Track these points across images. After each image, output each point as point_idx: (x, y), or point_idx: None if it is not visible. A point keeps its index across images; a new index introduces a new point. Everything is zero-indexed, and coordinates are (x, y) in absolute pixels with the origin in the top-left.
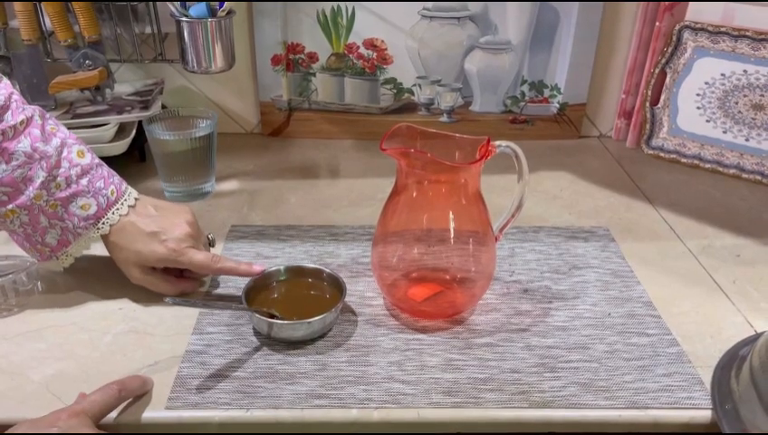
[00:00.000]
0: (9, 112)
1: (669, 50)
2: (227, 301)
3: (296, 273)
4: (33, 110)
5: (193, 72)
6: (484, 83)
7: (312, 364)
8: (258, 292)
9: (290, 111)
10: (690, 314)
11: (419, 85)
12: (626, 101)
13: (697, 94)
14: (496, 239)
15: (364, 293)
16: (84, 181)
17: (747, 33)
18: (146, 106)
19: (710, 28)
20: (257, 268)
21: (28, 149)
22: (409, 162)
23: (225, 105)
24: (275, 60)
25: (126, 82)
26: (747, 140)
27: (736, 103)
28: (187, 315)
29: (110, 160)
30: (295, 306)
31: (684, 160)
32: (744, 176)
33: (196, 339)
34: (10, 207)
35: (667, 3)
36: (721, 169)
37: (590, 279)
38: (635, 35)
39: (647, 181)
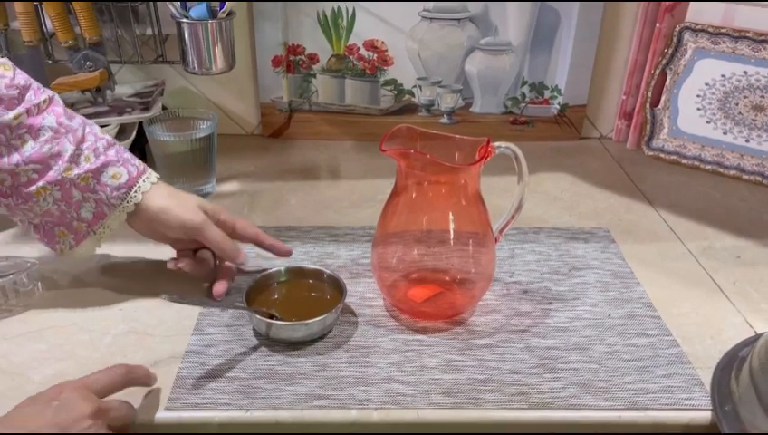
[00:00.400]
0: (31, 92)
1: (670, 51)
2: (228, 302)
3: (296, 274)
4: (52, 92)
5: (193, 73)
6: (485, 85)
7: (311, 365)
8: (258, 292)
9: (290, 113)
10: (690, 315)
11: (420, 86)
12: (626, 103)
13: (698, 95)
14: (496, 240)
15: (364, 294)
16: (112, 152)
17: (747, 35)
18: (146, 107)
19: (710, 29)
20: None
21: (54, 124)
22: (409, 163)
23: (225, 106)
24: (276, 61)
25: (126, 84)
26: (747, 141)
27: (737, 104)
28: (186, 316)
29: None
30: (295, 307)
31: (684, 162)
32: (745, 177)
33: (195, 339)
34: (41, 183)
35: (667, 4)
36: (721, 170)
37: (590, 280)
38: (635, 36)
39: (647, 182)
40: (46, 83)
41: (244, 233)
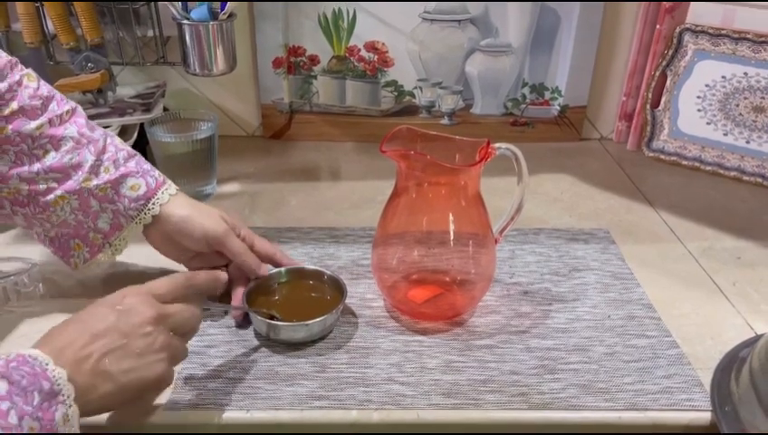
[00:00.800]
0: (54, 103)
1: (670, 52)
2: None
3: (297, 275)
4: (75, 103)
5: (194, 74)
6: (485, 86)
7: (312, 366)
8: (259, 293)
9: (291, 114)
10: (690, 316)
11: (420, 88)
12: (626, 104)
13: (698, 97)
14: (496, 241)
15: (364, 295)
16: (132, 163)
17: (748, 36)
18: (148, 109)
19: (710, 31)
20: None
21: (75, 135)
22: (409, 164)
23: (226, 108)
24: (277, 62)
25: (128, 85)
26: (748, 142)
27: (737, 106)
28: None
29: None
30: (296, 308)
31: (684, 163)
32: (745, 178)
33: (196, 340)
34: (59, 192)
35: (667, 5)
36: (722, 171)
37: (590, 281)
38: (635, 38)
39: (647, 184)
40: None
41: (262, 250)
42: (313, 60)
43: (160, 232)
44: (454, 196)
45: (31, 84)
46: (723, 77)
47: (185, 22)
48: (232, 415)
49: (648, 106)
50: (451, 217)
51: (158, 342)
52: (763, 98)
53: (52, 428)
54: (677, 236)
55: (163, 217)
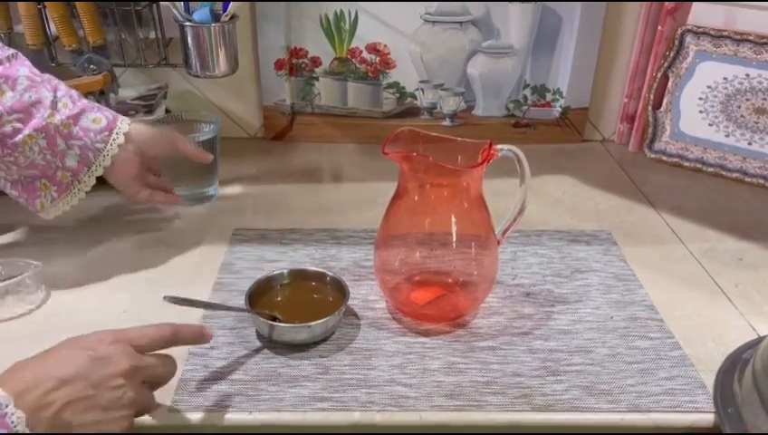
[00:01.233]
0: None
1: (671, 54)
2: (230, 304)
3: (299, 276)
4: (13, 49)
5: (196, 76)
6: (487, 87)
7: (314, 367)
8: (261, 295)
9: (293, 115)
10: (693, 317)
11: (422, 89)
12: (628, 105)
13: (700, 98)
14: (499, 243)
15: (367, 296)
16: (85, 100)
17: (749, 38)
18: (150, 110)
19: (712, 32)
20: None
21: (28, 74)
22: (412, 166)
23: (228, 109)
24: (278, 64)
25: (130, 87)
26: (750, 143)
27: (739, 107)
28: (190, 319)
29: None
30: (298, 310)
31: (686, 164)
32: (747, 179)
33: None
34: (27, 132)
35: (669, 7)
36: (724, 172)
37: (593, 283)
38: (637, 39)
39: (649, 185)
40: None
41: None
42: (315, 61)
43: (125, 156)
44: (456, 197)
45: None
46: (724, 78)
47: (187, 23)
48: (234, 417)
49: (650, 107)
50: (453, 219)
51: (126, 396)
52: (765, 99)
53: None
54: (679, 237)
55: (128, 139)
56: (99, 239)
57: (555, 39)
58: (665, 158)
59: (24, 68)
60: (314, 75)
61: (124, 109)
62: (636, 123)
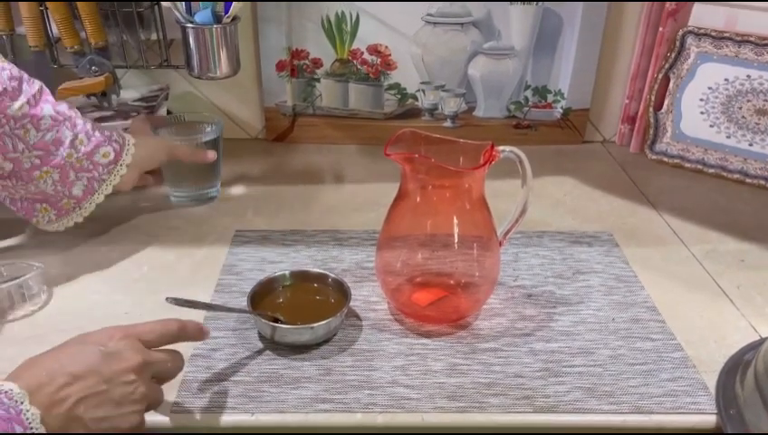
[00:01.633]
0: (25, 83)
1: (673, 55)
2: (232, 306)
3: (301, 278)
4: (39, 82)
5: (198, 77)
6: (488, 89)
7: (316, 369)
8: (263, 296)
9: (294, 117)
10: (694, 318)
11: (423, 91)
12: (629, 107)
13: (701, 99)
14: (500, 244)
15: (368, 297)
16: (98, 133)
17: (750, 39)
18: (151, 112)
19: (713, 33)
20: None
21: (52, 113)
22: (414, 167)
23: (229, 111)
24: (280, 66)
25: (132, 88)
26: (751, 144)
27: (740, 108)
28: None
29: None
30: (300, 311)
31: (687, 165)
32: (748, 181)
33: (200, 343)
34: (45, 169)
35: (670, 8)
36: (725, 173)
37: (594, 284)
38: (638, 41)
39: (650, 186)
40: (52, 88)
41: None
42: (316, 63)
43: (125, 178)
44: (458, 199)
45: (6, 66)
46: (725, 80)
47: (188, 25)
48: (236, 418)
49: (651, 109)
50: (455, 220)
51: (138, 392)
52: (766, 100)
53: None
54: (681, 238)
55: (129, 165)
56: (101, 240)
57: (556, 40)
58: (666, 159)
59: (47, 105)
60: (315, 77)
61: (126, 110)
62: (637, 124)
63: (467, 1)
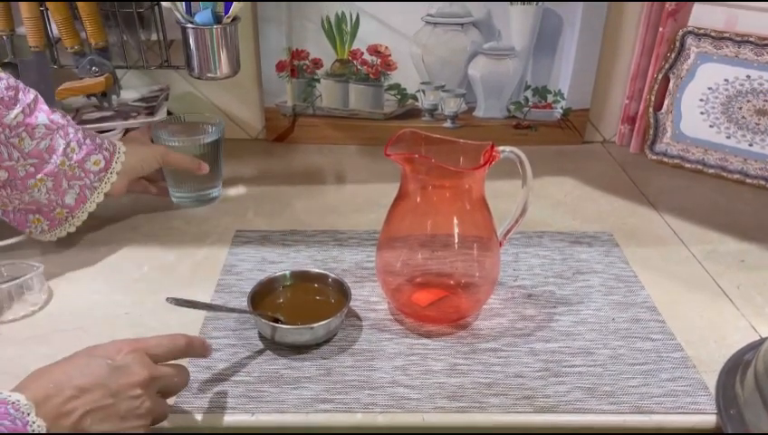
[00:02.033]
0: (21, 92)
1: (673, 55)
2: (232, 306)
3: (301, 278)
4: (34, 91)
5: (198, 78)
6: (488, 89)
7: (316, 369)
8: (263, 296)
9: (294, 117)
10: (694, 319)
11: (423, 91)
12: (629, 107)
13: (701, 100)
14: (500, 244)
15: (369, 298)
16: (89, 141)
17: (750, 39)
18: (152, 112)
19: (713, 34)
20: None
21: (46, 121)
22: (414, 168)
23: (229, 111)
24: (280, 66)
25: (132, 89)
26: (751, 145)
27: (740, 108)
28: (192, 320)
29: None
30: (300, 311)
31: (687, 166)
32: (748, 181)
33: None
34: (39, 176)
35: (670, 9)
36: (725, 174)
37: (595, 284)
38: (638, 41)
39: (650, 186)
40: (52, 88)
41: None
42: (317, 63)
43: (115, 185)
44: (458, 199)
45: (3, 76)
46: (725, 80)
47: (189, 25)
48: (237, 418)
49: (651, 109)
50: (455, 220)
51: (143, 406)
52: (766, 101)
53: None
54: (681, 238)
55: (119, 173)
56: (101, 240)
57: (556, 40)
58: (666, 159)
59: (42, 114)
60: (316, 77)
61: (126, 111)
62: (637, 125)
63: (467, 1)
